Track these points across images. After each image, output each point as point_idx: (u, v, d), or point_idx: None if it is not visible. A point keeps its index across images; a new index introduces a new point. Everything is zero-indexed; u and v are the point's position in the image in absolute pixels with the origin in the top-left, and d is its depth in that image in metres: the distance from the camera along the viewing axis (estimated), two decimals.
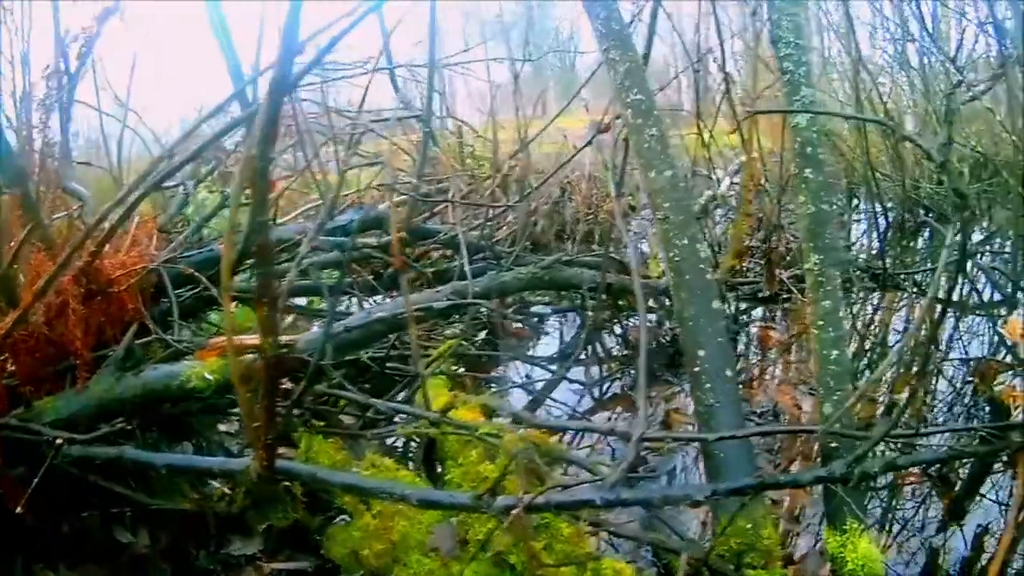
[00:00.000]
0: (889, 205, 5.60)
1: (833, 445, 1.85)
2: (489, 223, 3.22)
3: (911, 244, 5.79)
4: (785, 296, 3.83)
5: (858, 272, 4.11)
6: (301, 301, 3.30)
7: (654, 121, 2.14)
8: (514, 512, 1.50)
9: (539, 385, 2.91)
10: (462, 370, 2.85)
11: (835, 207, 1.95)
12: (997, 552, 1.66)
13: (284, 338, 1.94)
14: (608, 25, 2.23)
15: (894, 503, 2.22)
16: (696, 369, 2.02)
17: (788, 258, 3.93)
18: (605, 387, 3.02)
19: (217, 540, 1.97)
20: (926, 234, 5.88)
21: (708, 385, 1.99)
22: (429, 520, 1.84)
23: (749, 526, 1.79)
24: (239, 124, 2.15)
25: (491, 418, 2.17)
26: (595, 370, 3.21)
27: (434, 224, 3.56)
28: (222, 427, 2.48)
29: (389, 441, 2.42)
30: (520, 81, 4.20)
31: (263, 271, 1.25)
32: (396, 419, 2.15)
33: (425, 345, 2.61)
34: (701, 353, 2.00)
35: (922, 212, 5.79)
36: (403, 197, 3.23)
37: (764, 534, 1.80)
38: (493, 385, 2.72)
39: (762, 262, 3.97)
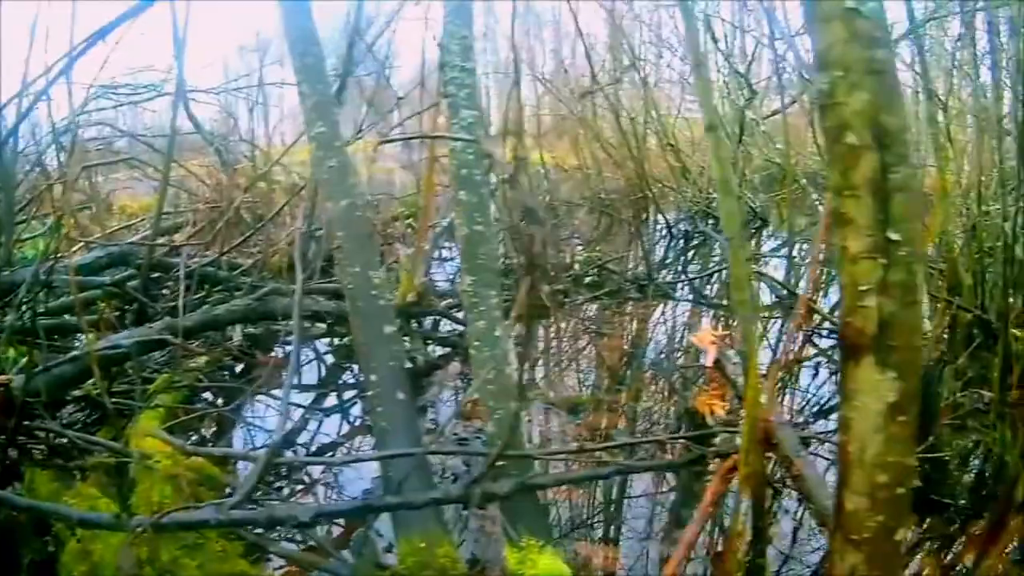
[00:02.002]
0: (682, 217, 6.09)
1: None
2: (225, 255, 3.24)
3: (695, 254, 6.28)
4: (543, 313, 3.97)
5: (627, 283, 4.47)
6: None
7: (335, 152, 2.22)
8: (139, 529, 1.63)
9: (297, 412, 2.94)
10: (211, 397, 2.84)
11: (489, 228, 1.99)
12: (675, 552, 1.75)
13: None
14: (304, 60, 2.30)
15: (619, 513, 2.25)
16: (370, 393, 2.12)
17: (553, 274, 4.18)
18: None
19: None
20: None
21: (380, 409, 2.04)
22: (117, 542, 1.85)
23: (423, 544, 1.80)
24: None
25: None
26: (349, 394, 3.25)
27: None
28: None
29: None
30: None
31: None
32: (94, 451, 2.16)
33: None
34: (373, 378, 2.06)
35: (711, 223, 6.32)
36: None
37: (439, 552, 1.82)
38: (228, 415, 2.73)
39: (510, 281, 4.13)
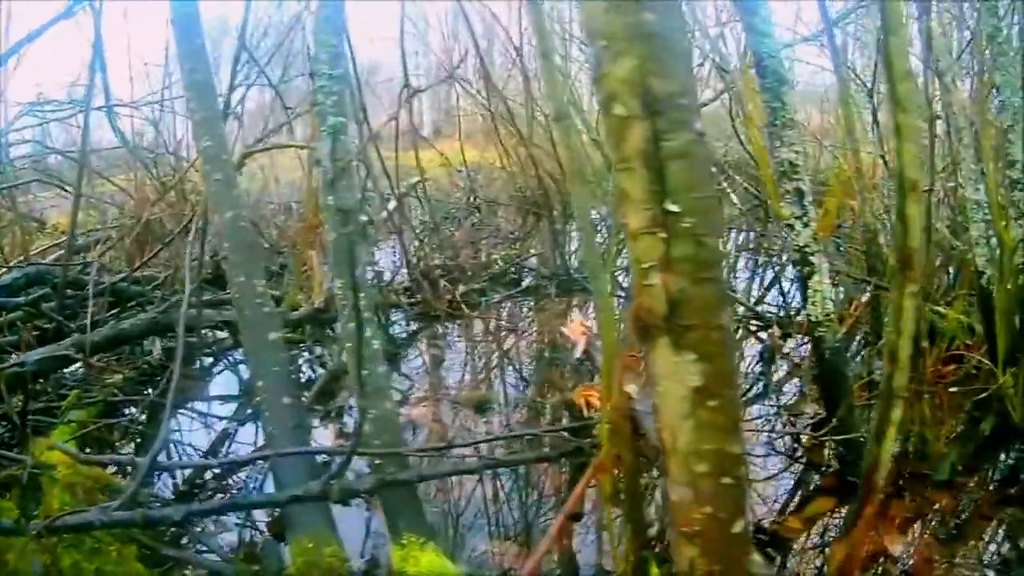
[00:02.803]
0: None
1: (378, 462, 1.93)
2: (137, 270, 3.22)
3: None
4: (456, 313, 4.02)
5: (544, 279, 4.47)
6: None
7: (221, 166, 2.24)
8: (33, 533, 1.64)
9: (220, 424, 2.93)
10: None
11: (359, 232, 1.99)
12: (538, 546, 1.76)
13: None
14: (192, 76, 2.33)
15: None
16: (259, 399, 2.12)
17: (470, 274, 4.18)
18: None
19: None
20: None
21: (268, 413, 2.06)
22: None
23: (311, 544, 1.83)
24: None
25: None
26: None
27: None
28: None
29: None
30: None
31: None
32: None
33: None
34: (260, 384, 2.07)
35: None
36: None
37: (327, 552, 1.84)
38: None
39: (425, 282, 4.15)
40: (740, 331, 3.57)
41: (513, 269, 4.93)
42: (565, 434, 1.88)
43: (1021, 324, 2.48)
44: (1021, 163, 2.48)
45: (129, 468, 2.14)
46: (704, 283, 1.05)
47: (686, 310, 1.05)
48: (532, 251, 5.42)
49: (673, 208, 1.02)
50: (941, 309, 2.67)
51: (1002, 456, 2.55)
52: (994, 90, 2.54)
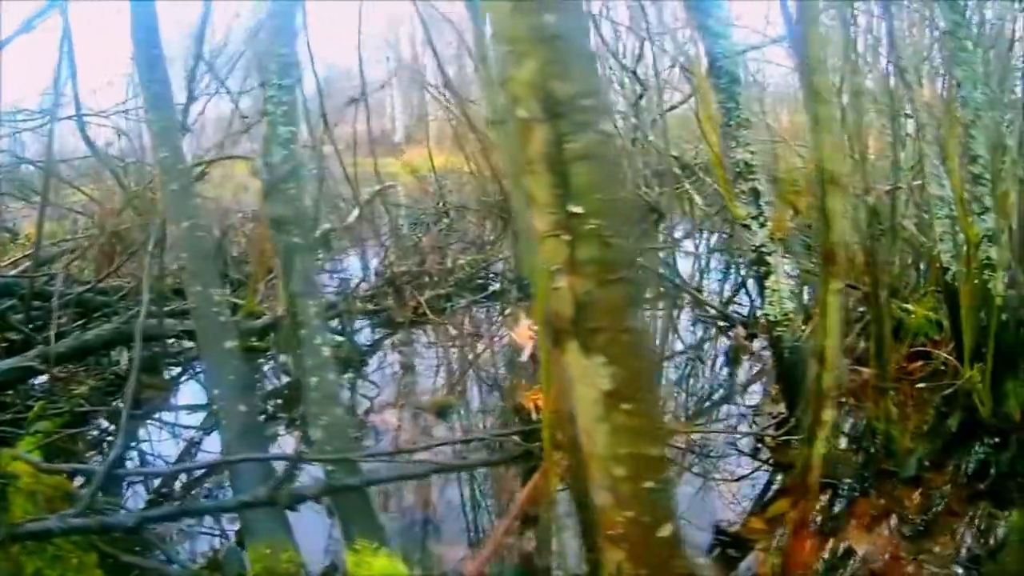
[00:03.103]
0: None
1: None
2: (102, 280, 3.23)
3: None
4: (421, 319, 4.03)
5: (508, 284, 4.50)
6: None
7: (178, 176, 2.24)
8: None
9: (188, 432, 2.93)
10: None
11: (307, 240, 2.02)
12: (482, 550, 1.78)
13: None
14: (150, 87, 2.33)
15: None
16: (215, 407, 2.13)
17: (436, 280, 4.19)
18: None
19: None
20: None
21: (225, 421, 2.06)
22: None
23: (268, 551, 1.85)
24: None
25: None
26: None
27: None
28: None
29: None
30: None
31: None
32: None
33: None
34: (216, 392, 2.08)
35: None
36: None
37: (284, 557, 1.87)
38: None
39: (391, 289, 4.17)
40: (711, 331, 3.56)
41: (480, 274, 4.92)
42: (516, 438, 1.87)
43: (987, 319, 2.47)
44: (983, 159, 2.46)
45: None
46: (611, 285, 1.04)
47: (593, 313, 1.04)
48: (498, 256, 5.42)
49: (577, 210, 1.01)
50: (909, 306, 2.66)
51: (973, 452, 2.54)
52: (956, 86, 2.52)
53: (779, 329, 2.12)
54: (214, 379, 2.11)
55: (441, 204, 6.57)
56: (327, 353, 1.96)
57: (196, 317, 2.15)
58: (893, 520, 2.21)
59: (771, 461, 2.38)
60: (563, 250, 1.03)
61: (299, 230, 1.98)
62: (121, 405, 2.80)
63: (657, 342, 3.58)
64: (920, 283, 2.96)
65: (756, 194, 2.08)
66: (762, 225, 2.08)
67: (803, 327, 2.20)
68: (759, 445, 2.41)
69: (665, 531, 1.16)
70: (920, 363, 2.64)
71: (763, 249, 2.09)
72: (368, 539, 1.80)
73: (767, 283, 2.10)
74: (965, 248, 2.45)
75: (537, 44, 1.01)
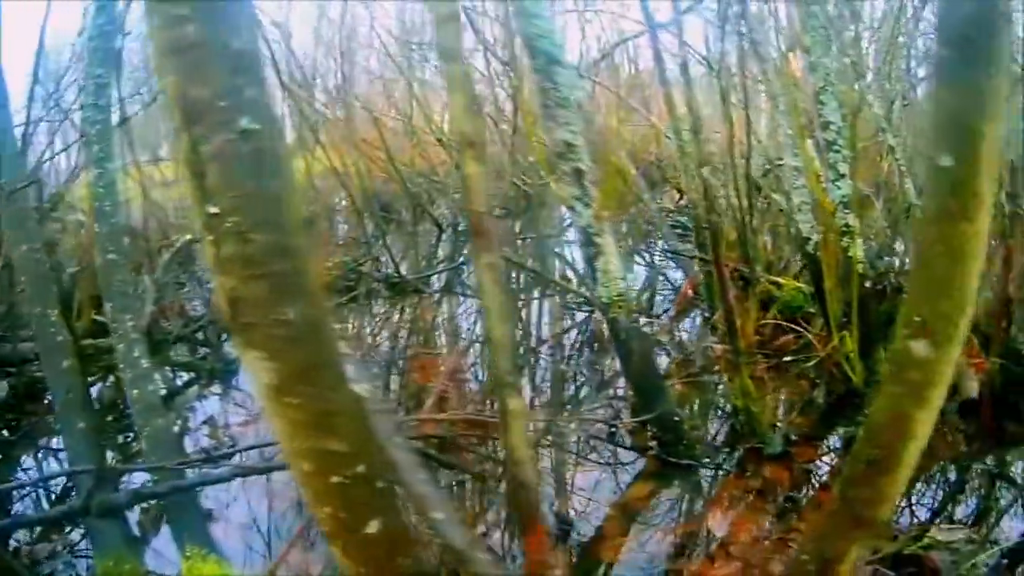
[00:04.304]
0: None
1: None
2: None
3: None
4: None
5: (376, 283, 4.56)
6: None
7: (15, 200, 2.25)
8: None
9: None
10: None
11: (122, 256, 2.07)
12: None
13: None
14: (92, 91, 2.37)
15: None
16: (57, 425, 2.16)
17: None
18: None
19: None
20: None
21: (67, 440, 2.11)
22: None
23: (112, 563, 1.86)
24: None
25: None
26: None
27: None
28: None
29: None
30: None
31: None
32: None
33: None
34: (57, 410, 2.13)
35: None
36: None
37: (126, 569, 1.87)
38: None
39: None
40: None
41: (351, 276, 4.91)
42: None
43: (851, 285, 2.43)
44: (835, 125, 2.44)
45: None
46: (255, 280, 1.04)
47: (242, 308, 1.04)
48: (364, 258, 5.39)
49: (213, 210, 1.02)
50: (780, 280, 2.63)
51: (849, 423, 2.49)
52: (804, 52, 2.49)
53: (614, 311, 2.11)
54: (55, 397, 2.15)
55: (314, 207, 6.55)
56: (146, 365, 1.99)
57: (37, 338, 2.19)
58: (758, 499, 2.18)
59: (630, 445, 2.36)
60: (210, 250, 1.03)
61: (114, 247, 2.03)
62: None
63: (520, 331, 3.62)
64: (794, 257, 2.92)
65: (579, 174, 2.06)
66: (587, 206, 2.06)
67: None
68: (613, 429, 2.38)
69: (372, 528, 1.15)
70: (791, 336, 2.60)
71: (590, 230, 2.07)
72: (198, 546, 1.81)
73: (597, 264, 2.09)
74: (822, 216, 2.42)
75: (175, 55, 1.00)
